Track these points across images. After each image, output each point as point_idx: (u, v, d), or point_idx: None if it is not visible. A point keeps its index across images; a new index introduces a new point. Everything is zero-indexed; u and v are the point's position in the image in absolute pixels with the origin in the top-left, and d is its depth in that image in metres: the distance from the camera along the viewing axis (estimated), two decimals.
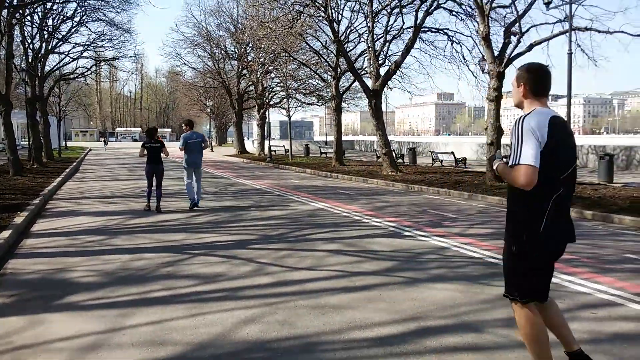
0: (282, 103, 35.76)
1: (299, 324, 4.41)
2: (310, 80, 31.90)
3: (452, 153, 23.11)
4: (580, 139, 76.47)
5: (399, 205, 11.84)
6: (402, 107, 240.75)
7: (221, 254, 6.98)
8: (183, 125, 11.52)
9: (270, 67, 31.01)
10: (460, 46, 19.95)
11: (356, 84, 27.57)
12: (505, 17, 16.56)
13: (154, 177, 10.70)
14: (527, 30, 14.76)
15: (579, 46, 14.89)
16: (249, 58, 34.14)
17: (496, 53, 15.00)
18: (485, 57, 15.39)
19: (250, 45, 33.57)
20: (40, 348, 3.94)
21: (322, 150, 35.83)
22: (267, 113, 34.87)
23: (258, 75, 33.22)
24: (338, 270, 6.13)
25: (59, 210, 11.23)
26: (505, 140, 18.13)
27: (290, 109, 30.51)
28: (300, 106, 36.34)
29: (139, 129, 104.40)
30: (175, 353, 3.86)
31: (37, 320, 4.51)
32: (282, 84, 31.90)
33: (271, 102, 35.55)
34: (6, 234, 7.77)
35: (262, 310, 4.76)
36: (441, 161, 24.27)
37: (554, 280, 5.61)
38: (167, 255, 6.91)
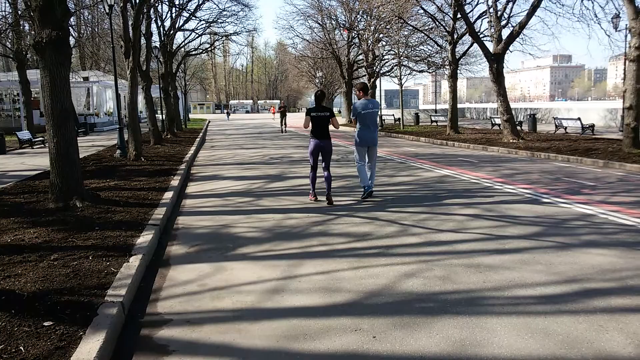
0: (392, 71, 35.44)
1: (458, 280, 4.65)
2: (422, 47, 31.23)
3: (579, 119, 21.66)
4: None
5: (529, 173, 11.50)
6: (513, 72, 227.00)
7: (363, 216, 7.37)
8: (355, 90, 9.01)
9: (381, 35, 30.78)
10: (592, 2, 18.49)
11: (473, 48, 26.60)
12: None
13: (320, 157, 8.39)
14: None
15: None
16: (360, 26, 34.04)
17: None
18: (624, 13, 14.11)
19: (361, 13, 33.45)
20: (232, 289, 4.55)
21: (433, 118, 35.18)
22: (377, 82, 34.78)
23: (369, 44, 33.12)
24: (483, 234, 6.26)
25: (203, 175, 12.33)
26: None
27: (401, 77, 30.19)
28: (410, 74, 35.75)
29: (251, 100, 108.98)
30: (351, 298, 4.28)
31: (221, 267, 5.17)
32: (393, 52, 31.57)
33: (381, 71, 35.35)
34: (169, 194, 8.78)
35: (419, 266, 5.06)
36: (565, 128, 22.85)
37: None
38: (313, 215, 7.44)
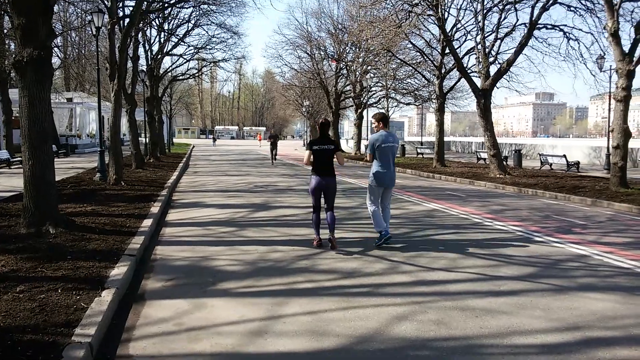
0: (379, 102, 35.67)
1: (454, 325, 4.37)
2: (409, 80, 31.54)
3: (564, 156, 21.82)
4: None
5: (518, 209, 11.36)
6: (497, 108, 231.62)
7: (351, 251, 7.08)
8: (373, 121, 7.56)
9: (369, 67, 31.04)
10: (578, 43, 18.74)
11: (459, 83, 26.93)
12: (632, 12, 15.33)
13: (323, 196, 7.27)
14: None
15: None
16: (348, 58, 34.36)
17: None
18: (609, 54, 14.34)
19: (350, 45, 33.80)
20: (211, 330, 4.21)
21: (419, 150, 35.31)
22: (364, 113, 34.93)
23: (357, 75, 33.36)
24: (476, 273, 6.01)
25: (185, 201, 11.97)
26: (632, 144, 16.80)
27: (388, 108, 30.34)
28: (397, 106, 36.05)
29: (236, 127, 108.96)
30: (341, 344, 3.97)
31: (200, 304, 4.83)
32: (381, 84, 31.81)
33: (369, 102, 35.56)
34: (148, 222, 8.42)
35: (411, 308, 4.78)
36: (550, 164, 23.00)
37: None
38: (299, 248, 7.14)
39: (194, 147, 51.26)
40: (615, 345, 3.98)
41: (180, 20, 24.02)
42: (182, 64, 28.66)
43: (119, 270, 5.44)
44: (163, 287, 5.37)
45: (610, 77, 20.94)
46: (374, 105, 36.63)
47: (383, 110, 33.51)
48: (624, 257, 6.87)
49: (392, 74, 28.63)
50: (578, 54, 19.05)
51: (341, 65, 34.77)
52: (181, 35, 24.73)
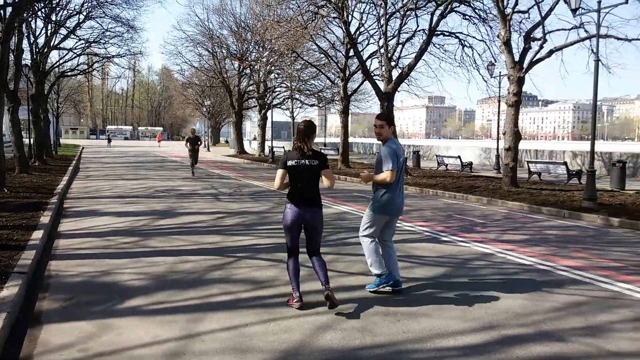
0: (284, 103, 35.64)
1: (378, 331, 4.34)
2: (314, 81, 31.83)
3: (459, 157, 23.17)
4: (567, 145, 77.21)
5: (422, 210, 11.80)
6: (395, 110, 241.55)
7: (267, 258, 6.87)
8: (378, 122, 5.42)
9: (274, 67, 30.88)
10: (472, 50, 19.99)
11: (363, 85, 27.61)
12: (521, 22, 16.61)
13: (306, 234, 5.07)
14: (548, 34, 14.79)
15: (593, 52, 14.95)
16: (252, 57, 33.96)
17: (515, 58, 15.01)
18: (499, 61, 15.41)
19: (253, 44, 33.43)
20: (122, 355, 3.82)
21: (323, 152, 35.74)
22: (268, 114, 34.71)
23: (261, 75, 33.06)
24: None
25: (79, 209, 11.02)
26: (522, 145, 18.15)
27: (293, 109, 30.39)
28: (301, 107, 36.24)
29: (130, 127, 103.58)
30: None
31: (107, 326, 4.38)
32: (285, 84, 31.79)
33: (273, 103, 35.39)
34: (39, 234, 7.60)
35: (334, 316, 4.68)
36: (446, 165, 24.30)
37: (614, 288, 5.62)
38: (211, 258, 6.79)
39: (83, 148, 47.93)
40: (529, 342, 4.15)
41: (70, 11, 22.20)
42: (72, 59, 26.55)
43: (8, 292, 4.80)
44: (62, 308, 4.82)
45: (499, 82, 22.61)
46: (278, 106, 36.54)
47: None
48: (524, 254, 7.31)
49: (296, 74, 28.69)
50: (472, 61, 20.24)
51: (245, 64, 34.28)
52: (71, 28, 22.85)
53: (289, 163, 4.85)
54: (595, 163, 12.60)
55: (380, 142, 5.45)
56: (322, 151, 32.42)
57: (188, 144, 20.42)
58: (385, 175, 5.22)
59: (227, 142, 75.63)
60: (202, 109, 54.68)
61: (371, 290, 5.41)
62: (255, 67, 32.87)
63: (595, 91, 11.56)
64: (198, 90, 50.85)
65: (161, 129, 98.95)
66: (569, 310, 4.97)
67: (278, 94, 36.10)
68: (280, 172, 4.90)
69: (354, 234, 8.69)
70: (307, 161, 4.81)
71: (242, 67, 35.55)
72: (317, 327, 4.43)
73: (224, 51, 37.20)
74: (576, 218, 10.88)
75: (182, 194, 14.20)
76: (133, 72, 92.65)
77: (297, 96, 31.87)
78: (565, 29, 15.50)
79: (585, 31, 14.74)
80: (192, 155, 20.35)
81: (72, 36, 23.62)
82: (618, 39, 13.92)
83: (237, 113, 39.19)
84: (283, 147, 37.98)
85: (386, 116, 5.56)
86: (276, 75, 32.48)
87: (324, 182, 4.93)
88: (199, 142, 21.13)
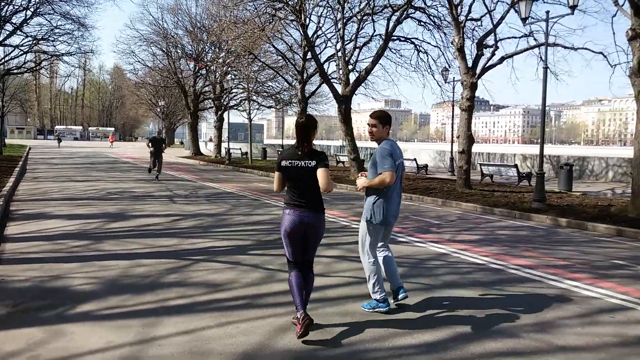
0: (240, 105, 35.34)
1: (337, 331, 4.36)
2: (271, 83, 31.72)
3: (415, 159, 23.59)
4: (517, 149, 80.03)
5: None
6: (353, 113, 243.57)
7: (224, 260, 6.78)
8: (372, 122, 4.98)
9: (230, 69, 30.58)
10: (427, 55, 20.43)
11: (320, 88, 27.72)
12: (474, 30, 17.12)
13: (302, 241, 4.41)
14: (499, 41, 15.31)
15: (542, 59, 15.58)
16: (208, 58, 33.53)
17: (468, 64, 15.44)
18: (453, 67, 15.82)
19: (210, 44, 33.02)
20: None
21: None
22: (225, 115, 34.34)
23: (217, 76, 32.68)
24: (351, 277, 6.11)
25: (26, 212, 10.57)
26: (475, 148, 18.67)
27: (250, 111, 30.19)
28: (258, 109, 36.05)
29: (80, 127, 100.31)
30: None
31: (58, 332, 4.22)
32: (242, 86, 31.55)
33: (229, 104, 35.05)
34: None
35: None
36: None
37: (562, 285, 5.85)
38: (166, 261, 6.65)
39: (31, 148, 46.01)
40: (484, 339, 4.26)
41: (17, 7, 21.31)
42: (18, 56, 25.47)
43: None
44: (9, 314, 4.60)
45: (453, 87, 23.18)
46: (235, 107, 36.21)
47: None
48: (478, 253, 7.52)
49: (254, 76, 28.52)
50: (427, 66, 20.66)
51: (200, 64, 33.81)
52: (17, 24, 21.91)
53: (283, 164, 4.29)
54: (544, 166, 13.11)
55: (375, 144, 5.02)
56: (279, 153, 32.41)
57: (151, 145, 18.71)
58: (384, 176, 4.64)
59: (182, 143, 74.29)
60: (156, 109, 53.56)
61: (367, 309, 4.86)
62: (212, 67, 32.47)
63: (544, 97, 12.03)
64: (152, 90, 49.80)
65: (113, 129, 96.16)
66: (520, 307, 5.14)
67: (235, 96, 35.80)
68: (275, 175, 4.46)
69: None
70: (303, 162, 4.20)
71: (197, 67, 35.04)
72: (276, 328, 4.41)
73: (179, 51, 36.60)
74: (526, 219, 11.28)
75: (136, 196, 13.84)
76: (83, 71, 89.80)
77: (254, 98, 31.64)
78: (515, 37, 16.11)
79: (535, 39, 15.36)
80: (155, 157, 18.43)
81: (19, 33, 22.68)
82: (565, 47, 14.56)
83: (192, 114, 38.62)
84: (240, 149, 37.71)
85: (379, 114, 4.97)
86: (233, 77, 32.18)
87: (320, 183, 4.18)
88: (164, 145, 19.03)
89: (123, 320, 4.52)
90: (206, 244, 7.78)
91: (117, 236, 8.28)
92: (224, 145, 36.21)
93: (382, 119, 4.91)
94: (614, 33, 12.65)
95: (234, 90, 34.64)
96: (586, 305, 5.23)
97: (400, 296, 4.96)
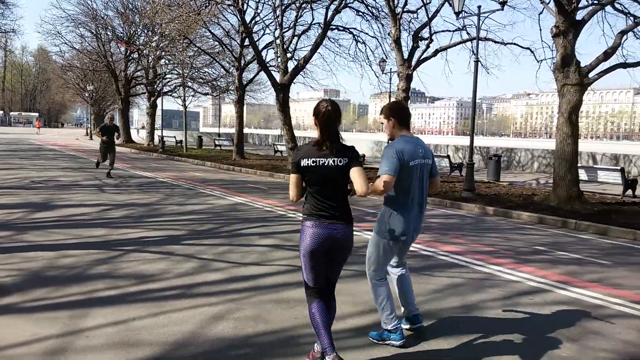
0: (175, 91, 34.37)
1: (270, 319, 4.40)
2: (207, 69, 31.04)
3: None
4: (451, 140, 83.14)
5: None
6: (291, 102, 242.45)
7: (156, 250, 6.63)
8: (386, 112, 4.02)
9: (164, 53, 29.64)
10: (365, 46, 20.69)
11: (258, 76, 27.45)
12: (410, 22, 17.52)
13: (326, 260, 3.52)
14: (434, 34, 15.77)
15: (474, 53, 16.19)
16: (140, 41, 32.31)
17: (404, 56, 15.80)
18: (390, 58, 16.15)
19: (142, 27, 31.82)
20: None
21: (217, 142, 35.07)
22: (158, 101, 33.29)
23: (150, 61, 31.60)
24: (287, 265, 6.16)
25: None
26: None
27: (185, 97, 29.43)
28: (194, 95, 35.22)
29: (1, 111, 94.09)
30: (155, 352, 3.67)
31: None
32: (177, 71, 30.68)
33: (163, 90, 33.99)
34: None
35: (227, 306, 4.66)
36: None
37: (487, 270, 6.18)
38: (95, 252, 6.42)
39: None
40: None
41: None
42: None
43: None
44: None
45: (390, 79, 23.65)
46: (169, 93, 35.19)
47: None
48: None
49: (189, 61, 27.78)
50: (365, 56, 21.03)
51: (132, 48, 32.53)
52: None
53: (304, 163, 3.32)
54: (474, 157, 13.68)
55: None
56: (216, 141, 31.52)
57: (101, 134, 15.44)
58: (376, 183, 3.70)
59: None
60: (84, 94, 50.90)
61: (375, 340, 4.06)
62: (144, 51, 31.32)
63: (474, 89, 12.53)
64: (80, 74, 47.35)
65: (37, 114, 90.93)
66: (447, 291, 5.39)
67: (169, 81, 34.79)
68: (293, 178, 3.41)
69: (248, 224, 8.70)
70: (331, 160, 3.30)
71: (129, 51, 33.69)
72: (209, 317, 4.38)
73: (109, 33, 35.00)
74: (457, 207, 11.76)
75: (62, 185, 13.19)
76: (4, 52, 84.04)
77: (189, 84, 30.87)
78: (450, 31, 16.65)
79: (468, 33, 15.97)
80: (107, 149, 15.35)
81: None
82: (495, 42, 15.22)
83: (123, 100, 37.15)
84: (174, 137, 36.75)
85: (385, 108, 4.06)
86: (167, 62, 31.24)
87: (356, 185, 3.28)
88: (118, 133, 16.07)
89: (49, 313, 4.35)
90: (137, 234, 7.57)
91: (42, 227, 7.89)
92: (157, 132, 35.16)
93: (384, 112, 4.03)
94: (540, 30, 13.40)
95: (168, 76, 33.66)
96: (508, 289, 5.56)
97: (416, 326, 4.24)
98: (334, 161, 3.30)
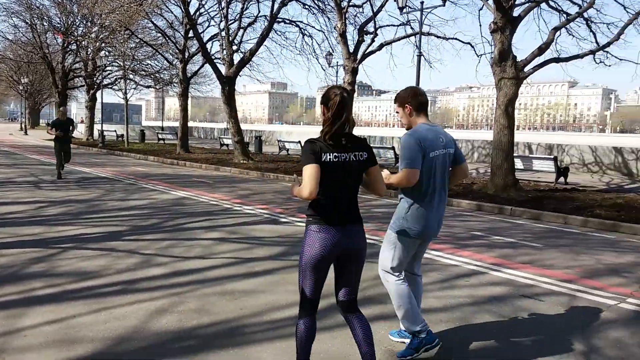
0: (116, 83, 33.27)
1: (215, 311, 4.41)
2: (150, 61, 30.22)
3: (299, 142, 23.99)
4: (397, 132, 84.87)
5: (263, 193, 12.06)
6: (238, 95, 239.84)
7: (96, 247, 6.47)
8: (403, 100, 3.65)
9: (104, 45, 28.61)
10: (311, 39, 20.74)
11: (203, 68, 27.00)
12: (356, 16, 17.70)
13: (339, 269, 3.21)
14: (379, 28, 16.02)
15: (417, 47, 16.58)
16: (78, 32, 31.02)
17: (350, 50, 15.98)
18: (337, 52, 16.29)
19: (81, 18, 30.57)
20: None
21: (160, 136, 34.26)
22: (98, 94, 32.12)
23: (89, 52, 30.43)
24: (232, 258, 6.17)
25: None
26: (358, 131, 19.37)
27: (126, 90, 28.55)
28: (135, 88, 34.23)
29: None
30: (96, 349, 3.62)
31: None
32: (117, 63, 29.71)
33: (103, 83, 32.82)
34: None
35: (170, 300, 4.64)
36: (287, 150, 25.01)
37: (427, 255, 6.40)
38: (31, 250, 6.20)
39: None
40: (361, 306, 4.54)
41: None
42: None
43: None
44: None
45: (337, 72, 23.85)
46: (109, 86, 34.02)
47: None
48: None
49: (130, 53, 26.95)
50: (311, 49, 21.04)
51: (70, 39, 31.20)
52: None
53: (325, 158, 2.83)
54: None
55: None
56: (159, 135, 30.69)
57: (54, 129, 13.31)
58: (400, 176, 3.50)
59: (48, 124, 68.28)
60: (18, 87, 48.52)
61: (404, 358, 3.62)
62: (83, 43, 30.12)
63: (417, 83, 12.87)
64: (13, 66, 45.06)
65: None
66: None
67: (109, 74, 33.62)
68: (312, 169, 2.81)
69: (193, 219, 8.61)
70: (352, 155, 2.91)
71: (66, 42, 32.28)
72: (152, 312, 4.35)
73: (45, 24, 33.39)
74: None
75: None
76: None
77: (131, 76, 29.97)
78: (394, 25, 17.00)
79: (411, 28, 16.34)
80: (61, 147, 13.43)
81: None
82: (438, 37, 15.64)
83: (60, 93, 35.53)
84: (115, 131, 35.63)
85: (399, 95, 3.69)
86: (107, 53, 30.16)
87: (374, 186, 3.07)
88: (72, 128, 14.13)
89: None
90: (76, 231, 7.35)
91: None
92: (96, 127, 33.96)
93: (399, 99, 3.68)
94: (480, 25, 13.88)
95: (108, 68, 32.51)
96: (446, 272, 5.80)
97: (432, 342, 3.66)
98: (355, 156, 2.91)
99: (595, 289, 5.33)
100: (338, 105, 2.90)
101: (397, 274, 3.68)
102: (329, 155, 2.83)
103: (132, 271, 5.51)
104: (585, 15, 12.86)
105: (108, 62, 31.65)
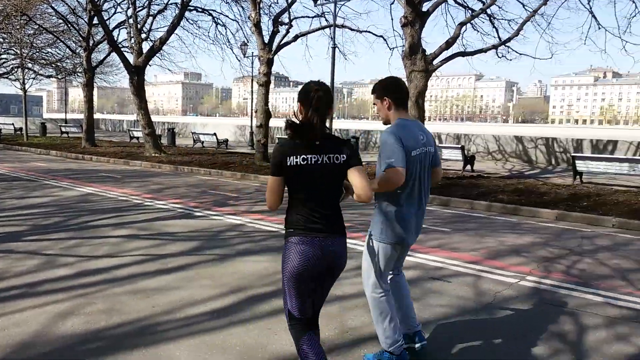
0: (12, 73, 30.75)
1: (125, 310, 4.24)
2: (50, 49, 28.19)
3: (215, 134, 23.52)
4: None
5: (176, 187, 11.71)
6: (148, 85, 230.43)
7: None
8: (375, 100, 3.36)
9: None
10: (225, 29, 20.32)
11: (110, 57, 25.66)
12: (270, 6, 17.54)
13: (312, 286, 2.73)
14: (294, 19, 15.99)
15: (332, 39, 16.77)
16: None
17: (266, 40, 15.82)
18: (252, 42, 16.10)
19: None
20: None
21: (63, 129, 32.20)
22: None
23: None
24: (143, 255, 5.94)
25: None
26: (274, 123, 19.31)
27: (25, 81, 26.50)
28: (35, 78, 31.85)
29: None
30: None
31: None
32: (14, 51, 27.45)
33: None
34: None
35: (76, 302, 4.39)
36: (202, 142, 24.44)
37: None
38: None
39: None
40: (272, 298, 4.57)
41: None
42: None
43: None
44: None
45: (252, 62, 23.52)
46: (5, 76, 31.38)
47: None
48: (272, 222, 7.92)
49: (28, 40, 25.00)
50: (226, 39, 20.67)
51: None
52: None
53: (291, 162, 2.55)
54: None
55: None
56: (62, 128, 29.00)
57: None
58: (386, 176, 3.09)
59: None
60: None
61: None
62: None
63: (332, 74, 13.03)
64: None
65: None
66: None
67: (5, 62, 30.99)
68: (272, 182, 2.62)
69: (98, 216, 8.20)
70: (325, 157, 2.58)
71: None
72: (55, 315, 4.09)
73: None
74: None
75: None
76: None
77: (29, 65, 27.82)
78: (309, 17, 17.08)
79: (326, 20, 16.46)
80: None
81: None
82: (352, 29, 15.95)
83: None
84: (13, 124, 33.04)
85: (377, 86, 3.35)
86: (1, 40, 27.77)
87: (358, 190, 2.59)
88: None
89: None
90: None
91: None
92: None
93: (377, 90, 3.35)
94: (392, 19, 14.30)
95: (3, 56, 29.96)
96: (360, 260, 5.93)
97: (416, 346, 3.49)
98: (329, 158, 2.57)
99: (498, 268, 5.71)
100: (311, 102, 2.57)
101: (380, 291, 3.36)
102: (296, 158, 2.54)
103: (34, 273, 5.15)
104: (488, 11, 13.63)
105: (3, 50, 29.17)
